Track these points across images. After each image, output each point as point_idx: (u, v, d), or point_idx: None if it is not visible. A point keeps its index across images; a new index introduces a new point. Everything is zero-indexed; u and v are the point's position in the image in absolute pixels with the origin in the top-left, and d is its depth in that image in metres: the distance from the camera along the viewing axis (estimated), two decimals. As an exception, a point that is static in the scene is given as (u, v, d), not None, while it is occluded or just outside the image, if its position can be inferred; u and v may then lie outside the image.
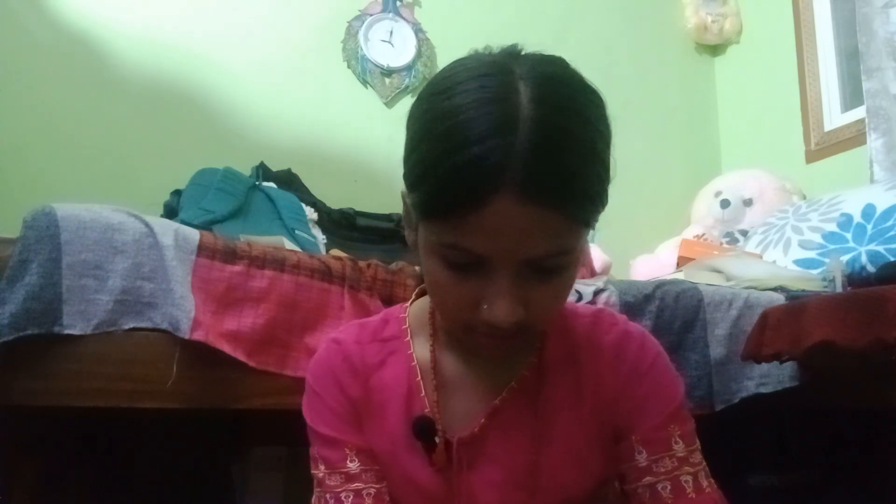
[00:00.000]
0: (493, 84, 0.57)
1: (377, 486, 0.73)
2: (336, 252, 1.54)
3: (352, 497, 0.72)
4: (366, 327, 0.79)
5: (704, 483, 0.70)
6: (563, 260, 0.60)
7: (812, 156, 2.49)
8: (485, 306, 0.60)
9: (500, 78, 0.57)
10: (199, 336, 1.02)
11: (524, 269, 0.59)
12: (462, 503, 0.73)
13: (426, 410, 0.73)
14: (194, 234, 1.11)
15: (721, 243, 2.28)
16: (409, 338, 0.77)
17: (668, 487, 0.69)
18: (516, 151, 0.54)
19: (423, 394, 0.74)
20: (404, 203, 0.66)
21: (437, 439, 0.72)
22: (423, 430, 0.72)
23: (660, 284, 1.36)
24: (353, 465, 0.72)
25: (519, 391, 0.73)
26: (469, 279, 0.60)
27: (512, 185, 0.54)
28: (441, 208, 0.57)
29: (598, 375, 0.73)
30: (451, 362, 0.75)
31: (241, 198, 1.77)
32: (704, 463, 0.71)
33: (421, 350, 0.76)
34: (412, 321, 0.79)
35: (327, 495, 0.72)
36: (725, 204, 2.43)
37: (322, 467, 0.73)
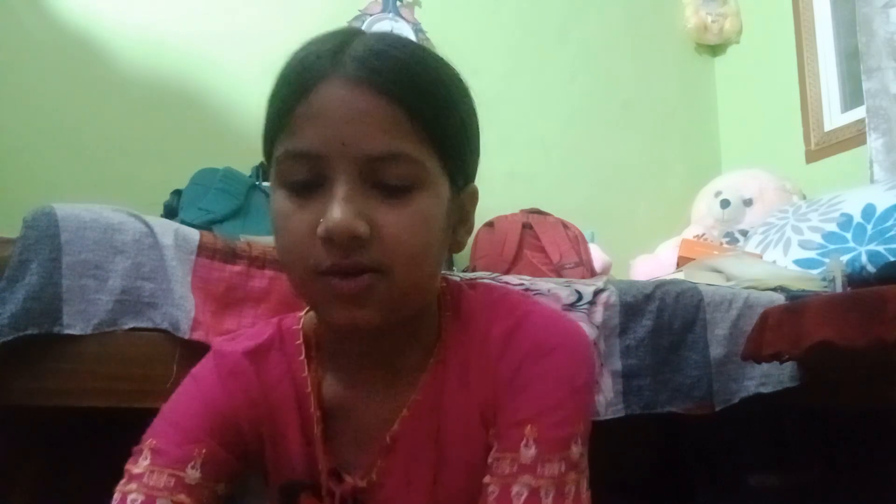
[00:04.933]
0: (336, 30, 0.61)
1: None
2: (336, 252, 1.54)
3: None
4: (261, 347, 0.69)
5: (545, 501, 0.57)
6: (408, 172, 0.56)
7: (812, 156, 2.49)
8: (322, 221, 0.54)
9: (346, 29, 0.62)
10: (199, 336, 1.02)
11: (365, 178, 0.55)
12: None
13: (319, 449, 0.65)
14: (194, 234, 1.11)
15: (721, 243, 2.28)
16: (303, 356, 0.67)
17: (496, 493, 0.58)
18: (351, 47, 0.56)
19: (320, 431, 0.65)
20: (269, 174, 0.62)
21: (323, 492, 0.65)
22: (292, 495, 0.65)
23: (660, 284, 1.36)
24: (192, 474, 0.61)
25: (413, 421, 0.64)
26: (310, 204, 0.55)
27: (341, 70, 0.55)
28: (275, 116, 0.58)
29: (485, 381, 0.63)
30: (338, 387, 0.66)
31: (241, 198, 1.77)
32: (569, 481, 0.58)
33: (314, 372, 0.67)
34: (306, 336, 0.69)
35: (135, 496, 0.59)
36: (725, 204, 2.43)
37: (147, 461, 0.61)
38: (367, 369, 0.66)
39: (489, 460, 0.60)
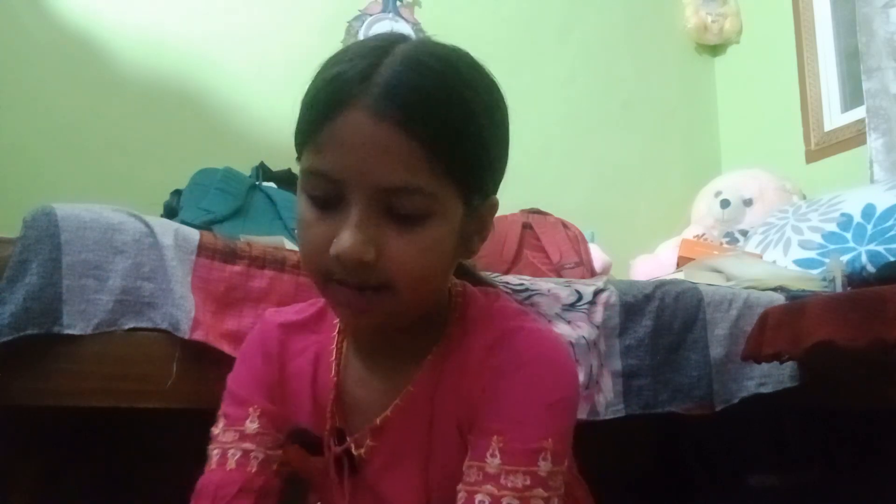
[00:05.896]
0: (374, 39, 0.62)
1: (268, 451, 0.71)
2: (336, 252, 1.53)
3: (238, 455, 0.70)
4: (297, 323, 0.77)
5: None
6: (421, 204, 0.58)
7: (812, 156, 2.49)
8: (335, 240, 0.58)
9: (383, 36, 0.62)
10: (199, 336, 1.02)
11: (379, 206, 0.57)
12: None
13: (328, 411, 0.72)
14: (194, 234, 1.11)
15: (721, 243, 2.28)
16: (336, 332, 0.74)
17: (463, 500, 0.60)
18: (378, 72, 0.57)
19: (332, 396, 0.72)
20: None
21: (330, 448, 0.71)
22: (300, 440, 0.72)
23: (660, 284, 1.36)
24: (251, 426, 0.71)
25: (404, 411, 0.68)
26: (328, 217, 0.59)
27: (366, 99, 0.56)
28: (304, 127, 0.60)
29: (469, 390, 0.65)
30: (355, 363, 0.73)
31: (241, 198, 1.77)
32: (535, 496, 0.59)
33: (340, 346, 0.74)
34: None
35: (216, 450, 0.71)
36: (725, 204, 2.43)
37: (221, 424, 0.73)
38: (377, 352, 0.72)
39: (463, 467, 0.62)
